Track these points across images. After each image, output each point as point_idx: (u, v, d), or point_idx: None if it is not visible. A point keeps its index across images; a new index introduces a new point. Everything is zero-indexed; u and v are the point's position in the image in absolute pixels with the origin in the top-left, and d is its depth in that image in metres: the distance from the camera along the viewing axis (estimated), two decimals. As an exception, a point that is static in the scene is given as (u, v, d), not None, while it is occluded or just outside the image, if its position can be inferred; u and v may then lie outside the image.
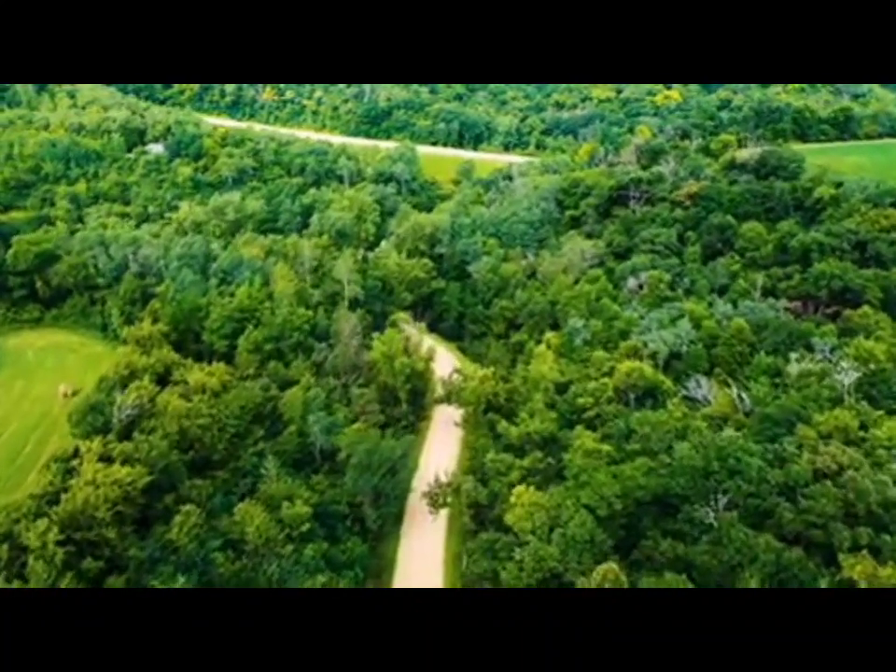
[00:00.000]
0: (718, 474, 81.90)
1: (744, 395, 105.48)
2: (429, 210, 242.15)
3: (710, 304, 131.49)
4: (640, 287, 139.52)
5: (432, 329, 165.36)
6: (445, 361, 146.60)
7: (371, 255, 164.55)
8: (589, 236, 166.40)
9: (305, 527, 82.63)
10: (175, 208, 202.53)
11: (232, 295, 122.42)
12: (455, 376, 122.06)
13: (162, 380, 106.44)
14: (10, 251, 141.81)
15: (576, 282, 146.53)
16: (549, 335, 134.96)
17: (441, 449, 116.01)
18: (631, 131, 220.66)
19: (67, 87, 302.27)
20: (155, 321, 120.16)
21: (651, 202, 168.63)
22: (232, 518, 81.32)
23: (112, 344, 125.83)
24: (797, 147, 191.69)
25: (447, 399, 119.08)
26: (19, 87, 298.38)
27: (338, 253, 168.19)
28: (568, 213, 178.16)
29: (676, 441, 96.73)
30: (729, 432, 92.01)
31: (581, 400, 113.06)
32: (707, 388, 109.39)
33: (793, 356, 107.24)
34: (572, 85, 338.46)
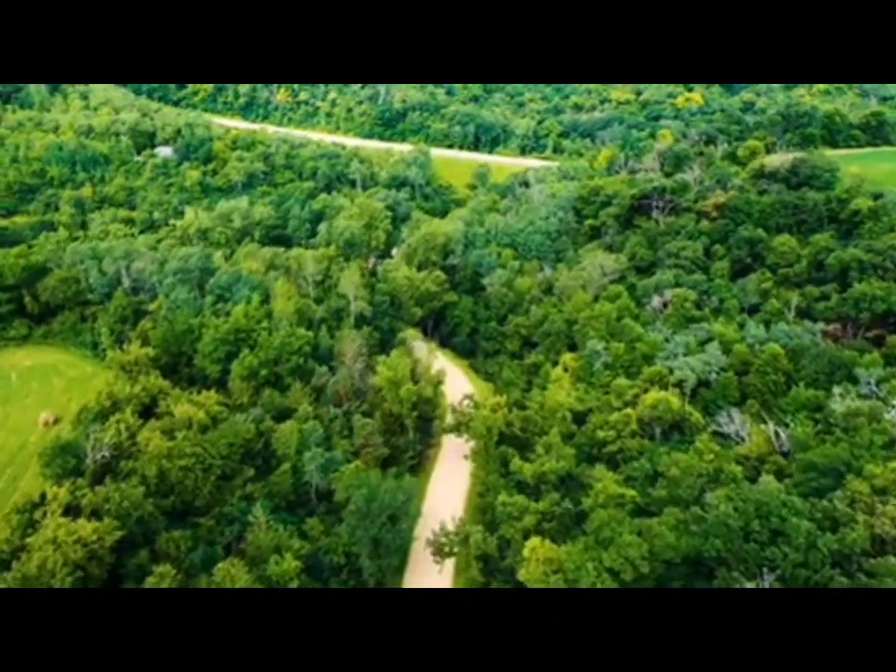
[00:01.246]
0: (759, 534, 70.98)
1: (781, 432, 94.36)
2: (443, 215, 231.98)
3: (741, 326, 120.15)
4: (664, 305, 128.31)
5: (444, 344, 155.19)
6: (456, 381, 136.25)
7: (379, 267, 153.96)
8: (609, 248, 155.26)
9: (293, 585, 72.59)
10: (181, 214, 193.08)
11: (228, 314, 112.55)
12: (466, 403, 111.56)
13: (148, 410, 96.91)
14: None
15: (595, 298, 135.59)
16: (566, 356, 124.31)
17: (448, 485, 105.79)
18: (653, 136, 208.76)
19: (80, 88, 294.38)
20: (145, 342, 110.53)
21: (676, 212, 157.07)
22: (212, 578, 71.39)
23: (102, 365, 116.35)
24: (828, 153, 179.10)
25: (457, 428, 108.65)
26: (32, 87, 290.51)
27: (345, 264, 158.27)
28: (587, 222, 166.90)
29: (707, 485, 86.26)
30: (768, 480, 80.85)
31: (601, 433, 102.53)
32: (740, 423, 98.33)
33: (836, 390, 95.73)
34: (591, 87, 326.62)
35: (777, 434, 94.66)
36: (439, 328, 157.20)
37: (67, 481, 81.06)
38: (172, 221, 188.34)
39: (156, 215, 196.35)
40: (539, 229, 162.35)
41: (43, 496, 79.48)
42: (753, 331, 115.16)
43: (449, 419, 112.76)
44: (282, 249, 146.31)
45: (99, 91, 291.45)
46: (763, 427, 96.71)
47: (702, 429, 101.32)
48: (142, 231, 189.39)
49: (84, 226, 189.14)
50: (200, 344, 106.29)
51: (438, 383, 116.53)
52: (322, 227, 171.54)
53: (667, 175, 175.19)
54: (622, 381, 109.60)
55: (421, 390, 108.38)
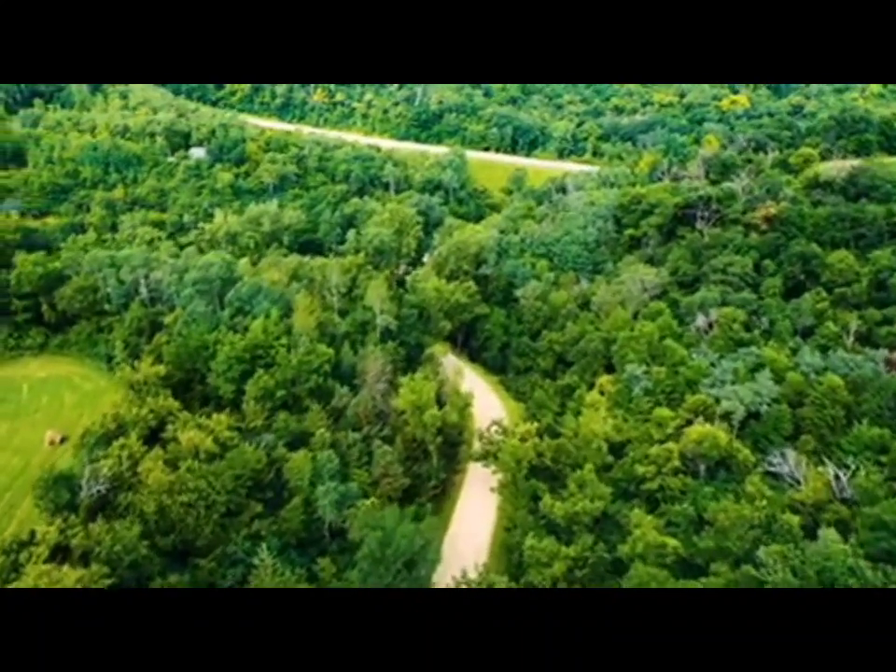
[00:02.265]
0: (821, 606, 61.12)
1: (842, 476, 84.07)
2: (478, 220, 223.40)
3: (794, 351, 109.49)
4: (710, 325, 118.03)
5: (473, 358, 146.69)
6: (485, 400, 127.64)
7: (408, 277, 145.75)
8: (650, 261, 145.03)
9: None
10: (211, 217, 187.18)
11: (247, 328, 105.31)
12: (494, 429, 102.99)
13: (155, 433, 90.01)
14: (14, 272, 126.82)
15: (635, 316, 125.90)
16: (603, 379, 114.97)
17: (472, 517, 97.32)
18: (697, 141, 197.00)
19: (120, 88, 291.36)
20: (159, 358, 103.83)
21: (722, 223, 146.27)
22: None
23: (115, 379, 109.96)
24: (887, 161, 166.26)
25: (484, 457, 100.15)
26: (73, 87, 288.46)
27: (374, 272, 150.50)
28: (627, 232, 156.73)
29: (760, 537, 76.54)
30: (829, 537, 70.89)
31: (639, 468, 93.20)
32: (794, 463, 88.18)
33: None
34: (632, 88, 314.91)
35: (836, 477, 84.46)
36: (469, 341, 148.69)
37: (60, 516, 74.50)
38: (201, 224, 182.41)
39: (186, 218, 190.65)
40: (577, 239, 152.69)
41: (33, 533, 72.84)
42: (808, 358, 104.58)
43: (476, 446, 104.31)
44: (307, 258, 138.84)
45: (138, 91, 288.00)
46: (820, 469, 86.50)
47: (751, 468, 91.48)
48: (171, 235, 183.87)
49: (114, 228, 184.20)
50: (214, 362, 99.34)
51: (465, 406, 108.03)
52: (350, 234, 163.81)
53: (713, 183, 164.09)
54: (663, 410, 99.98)
55: (446, 415, 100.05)
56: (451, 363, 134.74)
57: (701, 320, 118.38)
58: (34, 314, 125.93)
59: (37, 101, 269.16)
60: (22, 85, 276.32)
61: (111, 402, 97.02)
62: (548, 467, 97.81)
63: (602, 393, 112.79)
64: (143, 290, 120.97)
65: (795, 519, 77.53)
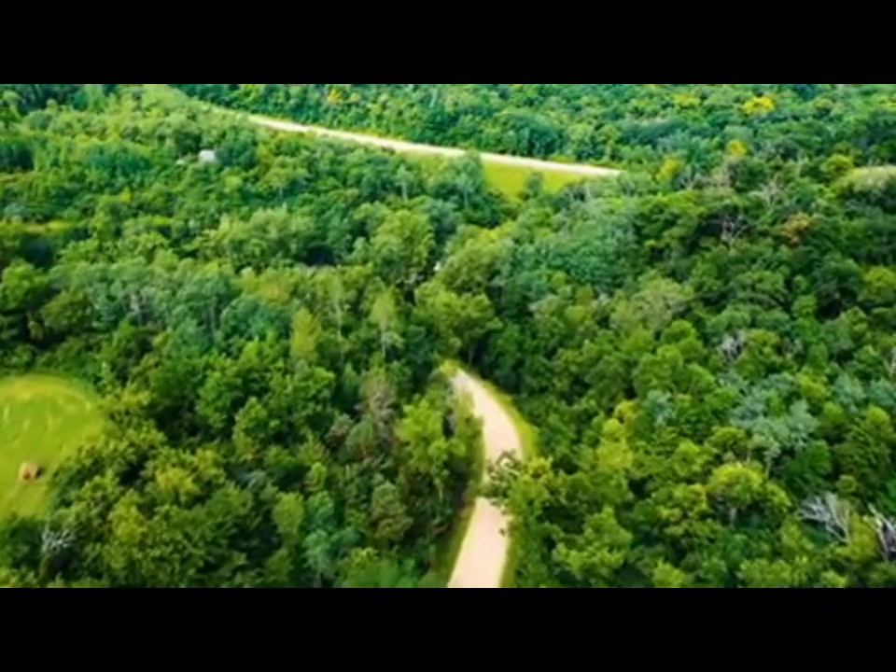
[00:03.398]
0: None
1: (890, 528, 74.44)
2: (492, 225, 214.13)
3: (831, 379, 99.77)
4: (738, 349, 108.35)
5: (485, 375, 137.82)
6: (497, 422, 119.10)
7: (416, 291, 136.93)
8: (672, 274, 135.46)
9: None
10: (217, 223, 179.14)
11: (241, 350, 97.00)
12: (505, 462, 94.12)
13: (135, 470, 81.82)
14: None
15: (657, 335, 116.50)
16: (623, 405, 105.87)
17: (480, 560, 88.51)
18: (721, 147, 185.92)
19: (134, 88, 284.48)
20: (146, 382, 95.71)
21: (749, 235, 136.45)
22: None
23: (101, 403, 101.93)
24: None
25: (493, 493, 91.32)
26: (87, 88, 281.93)
27: (382, 284, 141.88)
28: (648, 243, 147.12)
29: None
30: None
31: (663, 511, 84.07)
32: (836, 511, 78.55)
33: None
34: (652, 90, 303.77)
35: (884, 528, 74.87)
36: (480, 357, 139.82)
37: (18, 572, 66.28)
38: (206, 231, 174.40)
39: (192, 223, 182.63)
40: (595, 250, 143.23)
41: (-15, 591, 65.13)
42: (847, 388, 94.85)
43: (485, 480, 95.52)
44: (310, 271, 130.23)
45: (151, 91, 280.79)
46: (866, 518, 76.89)
47: (787, 513, 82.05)
48: (175, 241, 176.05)
49: (118, 233, 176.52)
50: (203, 390, 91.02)
51: (474, 434, 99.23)
52: (358, 243, 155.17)
53: (739, 191, 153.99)
54: (689, 445, 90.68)
55: (453, 447, 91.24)
56: (461, 383, 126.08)
57: (729, 343, 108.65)
58: (20, 330, 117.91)
59: (51, 101, 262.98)
60: (37, 85, 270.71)
61: (90, 434, 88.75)
62: (563, 505, 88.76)
63: (621, 420, 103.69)
64: (134, 307, 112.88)
65: (841, 580, 68.13)
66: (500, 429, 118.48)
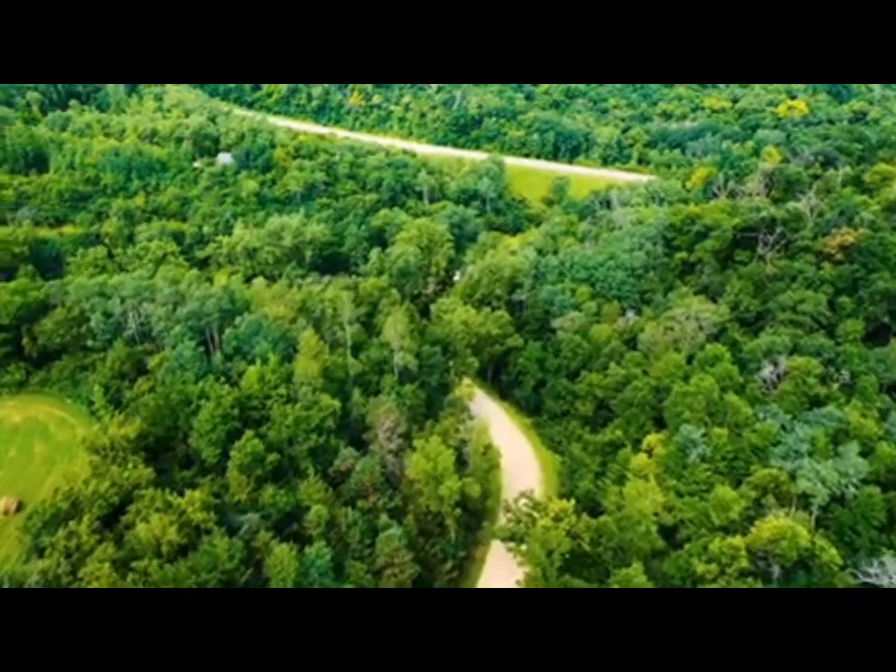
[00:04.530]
0: None
1: (960, 597, 64.38)
2: (515, 232, 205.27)
3: (883, 414, 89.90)
4: (778, 377, 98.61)
5: (504, 395, 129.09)
6: (515, 448, 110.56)
7: (433, 307, 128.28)
8: (705, 290, 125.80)
9: None
10: (232, 229, 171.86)
11: (241, 375, 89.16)
12: (524, 503, 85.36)
13: (118, 511, 74.08)
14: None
15: (689, 359, 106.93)
16: (652, 438, 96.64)
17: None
18: (756, 153, 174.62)
19: (156, 89, 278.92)
20: (138, 409, 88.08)
21: (788, 250, 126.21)
22: None
23: (100, 424, 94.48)
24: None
25: (510, 537, 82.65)
26: (110, 88, 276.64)
27: (397, 296, 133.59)
28: (679, 256, 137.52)
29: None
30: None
31: (698, 566, 74.72)
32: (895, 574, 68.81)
33: None
34: (682, 93, 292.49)
35: (952, 597, 64.90)
36: (499, 375, 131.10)
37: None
38: (219, 238, 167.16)
39: (206, 229, 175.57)
40: (622, 263, 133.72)
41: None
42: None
43: (502, 520, 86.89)
44: (318, 288, 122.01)
45: (173, 91, 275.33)
46: (930, 583, 67.23)
47: (837, 570, 72.51)
48: (188, 247, 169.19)
49: (130, 238, 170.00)
50: (196, 421, 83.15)
51: (491, 468, 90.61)
52: (374, 254, 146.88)
53: (776, 202, 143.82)
54: (726, 490, 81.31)
55: (467, 486, 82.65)
56: (479, 405, 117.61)
57: (768, 370, 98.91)
58: (13, 347, 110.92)
59: (73, 102, 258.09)
60: (60, 86, 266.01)
61: (69, 472, 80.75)
62: (585, 553, 79.94)
63: (650, 454, 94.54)
64: (131, 325, 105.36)
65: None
66: (519, 457, 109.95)
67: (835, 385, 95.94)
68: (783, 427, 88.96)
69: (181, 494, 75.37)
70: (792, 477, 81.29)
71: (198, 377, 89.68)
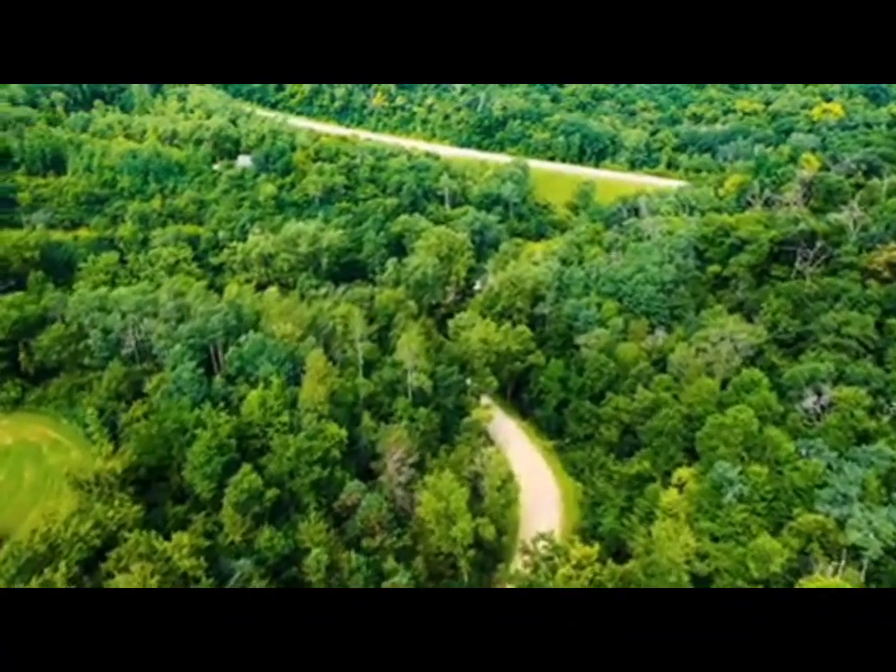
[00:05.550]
0: None
1: None
2: (538, 238, 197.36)
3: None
4: (822, 408, 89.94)
5: (524, 414, 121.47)
6: (535, 476, 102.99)
7: (450, 322, 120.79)
8: (740, 307, 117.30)
9: None
10: (247, 234, 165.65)
11: (242, 400, 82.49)
12: (542, 544, 77.78)
13: (100, 554, 67.60)
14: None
15: (723, 384, 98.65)
16: (683, 472, 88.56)
17: None
18: (793, 160, 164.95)
19: (180, 89, 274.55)
20: (129, 437, 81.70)
21: (830, 265, 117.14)
22: None
23: (90, 451, 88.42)
24: None
25: (528, 584, 75.09)
26: (134, 88, 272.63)
27: (414, 307, 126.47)
28: (711, 269, 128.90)
29: None
30: None
31: (735, 626, 66.02)
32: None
33: None
34: (713, 95, 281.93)
35: None
36: (519, 393, 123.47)
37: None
38: (234, 244, 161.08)
39: (222, 233, 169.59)
40: (651, 277, 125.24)
41: None
42: (964, 469, 75.99)
43: (518, 564, 79.39)
44: (328, 303, 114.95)
45: (197, 92, 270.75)
46: None
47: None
48: (203, 252, 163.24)
49: (145, 243, 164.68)
50: (190, 452, 76.49)
51: (508, 503, 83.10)
52: (390, 264, 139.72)
53: (816, 212, 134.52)
54: (766, 538, 73.00)
55: (481, 527, 75.23)
56: (497, 426, 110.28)
57: (811, 400, 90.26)
58: (9, 363, 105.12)
59: (98, 102, 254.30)
60: (85, 85, 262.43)
61: (50, 509, 74.15)
62: (610, 604, 72.04)
63: (681, 489, 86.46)
64: (131, 342, 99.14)
65: None
66: (539, 484, 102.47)
67: (885, 418, 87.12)
68: (829, 467, 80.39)
69: (172, 532, 68.79)
70: (841, 525, 72.85)
71: (196, 402, 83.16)
